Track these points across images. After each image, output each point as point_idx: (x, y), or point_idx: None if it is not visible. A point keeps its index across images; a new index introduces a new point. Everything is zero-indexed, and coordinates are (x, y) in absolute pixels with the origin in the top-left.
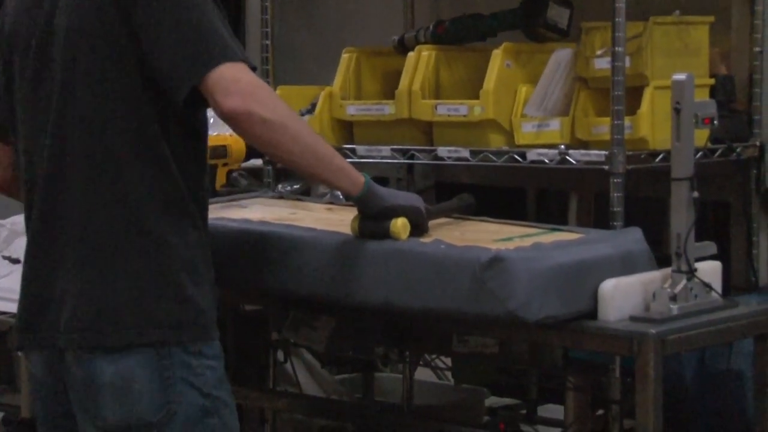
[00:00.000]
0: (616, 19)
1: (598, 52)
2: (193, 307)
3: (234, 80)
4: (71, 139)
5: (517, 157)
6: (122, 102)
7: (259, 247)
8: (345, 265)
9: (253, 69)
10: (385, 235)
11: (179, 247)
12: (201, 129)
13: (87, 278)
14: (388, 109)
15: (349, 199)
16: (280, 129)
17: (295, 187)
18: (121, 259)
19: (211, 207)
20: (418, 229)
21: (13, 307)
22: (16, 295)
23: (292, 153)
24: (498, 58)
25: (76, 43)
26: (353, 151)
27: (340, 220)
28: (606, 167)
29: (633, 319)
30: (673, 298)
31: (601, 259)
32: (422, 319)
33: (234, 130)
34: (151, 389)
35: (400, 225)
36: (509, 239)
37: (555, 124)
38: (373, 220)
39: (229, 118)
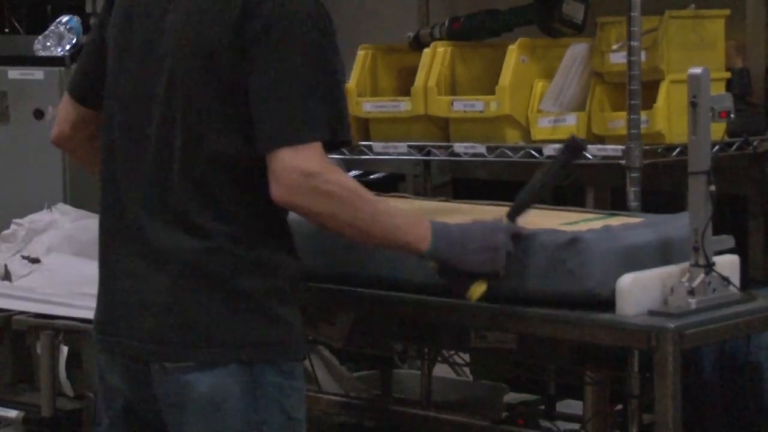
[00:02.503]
0: (632, 14)
1: (614, 47)
2: (285, 326)
3: (288, 169)
4: (176, 150)
5: (533, 152)
6: (231, 125)
7: (318, 235)
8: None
9: (347, 143)
10: (461, 296)
11: (274, 267)
12: None
13: (178, 291)
14: (404, 106)
15: (422, 258)
16: (330, 219)
17: None
18: (217, 276)
19: None
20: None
21: (33, 307)
22: (36, 295)
23: (345, 234)
24: (513, 54)
25: (186, 59)
26: (370, 147)
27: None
28: (622, 162)
29: (651, 313)
30: (692, 292)
31: (667, 240)
32: (494, 301)
33: None
34: (244, 407)
35: (478, 293)
36: (575, 223)
37: (571, 119)
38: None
39: (278, 203)
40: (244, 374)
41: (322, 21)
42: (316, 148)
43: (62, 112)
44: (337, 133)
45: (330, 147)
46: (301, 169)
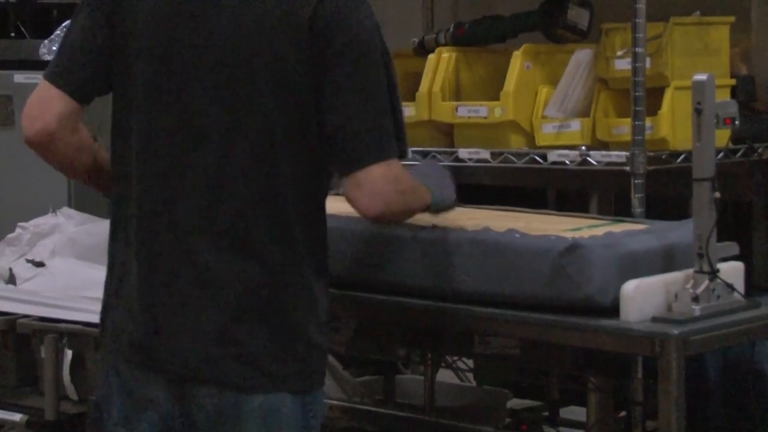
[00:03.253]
0: (637, 20)
1: (619, 53)
2: (322, 355)
3: (382, 184)
4: (239, 169)
5: (537, 158)
6: (300, 144)
7: (332, 239)
8: (421, 255)
9: (403, 155)
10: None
11: (316, 299)
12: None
13: (233, 321)
14: (409, 111)
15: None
16: (402, 217)
17: None
18: (265, 307)
19: None
20: None
21: (37, 311)
22: (41, 298)
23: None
24: (518, 60)
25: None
26: None
27: None
28: (627, 168)
29: (655, 319)
30: (696, 299)
31: (671, 247)
32: (496, 306)
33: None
34: (295, 422)
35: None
36: (578, 229)
37: (575, 125)
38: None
39: (370, 218)
40: (295, 402)
41: (381, 35)
42: (398, 161)
43: (44, 105)
44: (404, 145)
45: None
46: (395, 184)
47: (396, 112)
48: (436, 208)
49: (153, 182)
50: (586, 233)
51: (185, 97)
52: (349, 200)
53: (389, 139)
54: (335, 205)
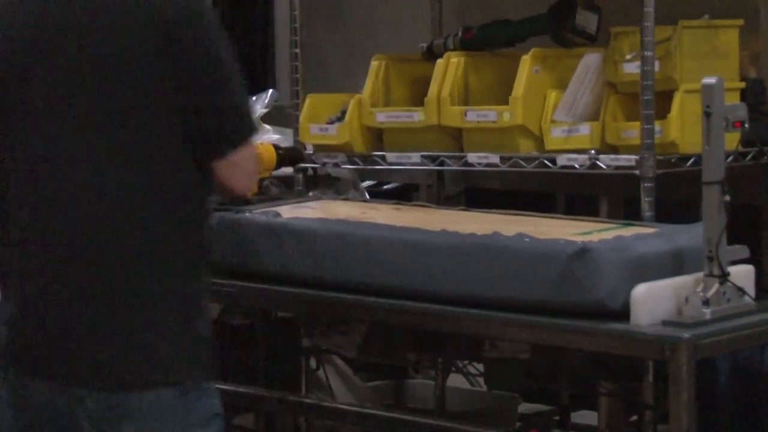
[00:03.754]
0: (645, 24)
1: (627, 57)
2: (209, 346)
3: (249, 163)
4: (113, 168)
5: (547, 162)
6: (162, 143)
7: (340, 243)
8: (430, 260)
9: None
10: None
11: (199, 291)
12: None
13: (112, 320)
14: (418, 116)
15: None
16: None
17: (328, 193)
18: (151, 305)
19: (280, 209)
20: None
21: None
22: None
23: None
24: (527, 64)
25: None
26: (383, 158)
27: (413, 218)
28: (636, 172)
29: (665, 323)
30: (706, 302)
31: (680, 250)
32: (505, 310)
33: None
34: (178, 417)
35: None
36: (588, 233)
37: (584, 129)
38: None
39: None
40: (179, 393)
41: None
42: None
43: None
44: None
45: None
46: (257, 161)
47: (247, 95)
48: None
49: (30, 192)
50: (595, 237)
51: (46, 114)
52: (222, 181)
53: (249, 119)
54: (344, 210)
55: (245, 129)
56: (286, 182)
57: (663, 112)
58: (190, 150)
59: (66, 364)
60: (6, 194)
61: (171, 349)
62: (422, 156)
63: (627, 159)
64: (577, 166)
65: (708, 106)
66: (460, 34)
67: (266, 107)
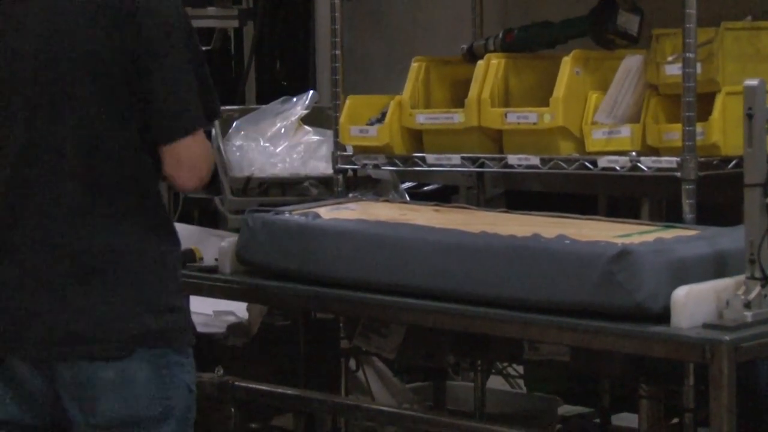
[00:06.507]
0: (687, 26)
1: (669, 59)
2: (183, 315)
3: (194, 156)
4: (68, 153)
5: (587, 164)
6: (118, 127)
7: (379, 245)
8: (470, 262)
9: (215, 116)
10: None
11: (168, 262)
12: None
13: (82, 293)
14: (458, 118)
15: None
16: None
17: (368, 194)
18: (117, 275)
19: (319, 210)
20: None
21: None
22: None
23: None
24: (567, 66)
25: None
26: (423, 159)
27: (452, 219)
28: (678, 174)
29: (706, 326)
30: (747, 305)
31: (722, 253)
32: (545, 312)
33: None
34: (151, 388)
35: None
36: (629, 235)
37: (626, 130)
38: None
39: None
40: (151, 359)
41: (186, 16)
42: (203, 133)
43: None
44: (214, 113)
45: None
46: (207, 157)
47: (202, 83)
48: None
49: (2, 176)
50: (636, 239)
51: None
52: (168, 171)
53: (201, 112)
54: (383, 211)
55: (193, 120)
56: (325, 183)
57: (704, 114)
58: (147, 136)
59: (41, 337)
60: None
61: (144, 319)
62: (462, 158)
63: (668, 161)
64: (618, 168)
65: (750, 108)
66: (500, 35)
67: (306, 109)
